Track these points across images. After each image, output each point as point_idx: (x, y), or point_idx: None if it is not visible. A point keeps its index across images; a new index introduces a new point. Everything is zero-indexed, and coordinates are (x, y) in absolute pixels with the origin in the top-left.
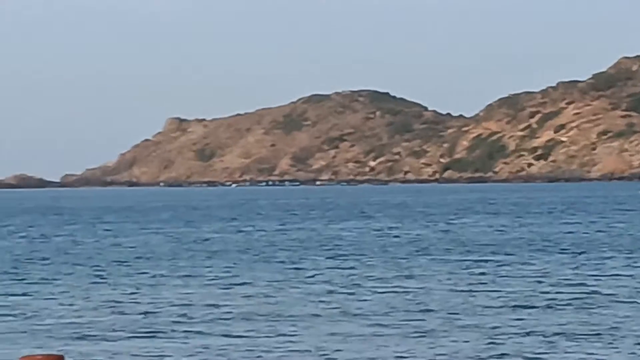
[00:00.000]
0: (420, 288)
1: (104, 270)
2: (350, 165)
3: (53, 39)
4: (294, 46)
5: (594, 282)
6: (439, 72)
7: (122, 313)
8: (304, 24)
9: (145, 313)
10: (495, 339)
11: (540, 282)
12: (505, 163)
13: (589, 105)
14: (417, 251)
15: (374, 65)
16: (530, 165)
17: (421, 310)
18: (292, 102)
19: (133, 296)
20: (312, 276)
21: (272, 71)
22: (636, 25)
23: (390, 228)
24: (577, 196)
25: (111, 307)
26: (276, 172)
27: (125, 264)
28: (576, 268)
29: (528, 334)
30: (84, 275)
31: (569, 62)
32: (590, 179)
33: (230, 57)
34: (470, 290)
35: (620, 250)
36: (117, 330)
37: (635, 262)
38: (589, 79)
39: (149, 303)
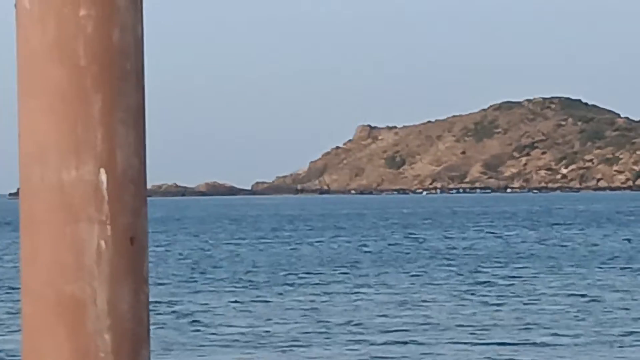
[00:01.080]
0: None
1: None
2: (542, 172)
3: (245, 42)
4: (485, 54)
5: None
6: (632, 78)
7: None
8: (494, 32)
9: None
10: None
11: None
12: None
13: None
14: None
15: (566, 72)
16: None
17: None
18: (483, 109)
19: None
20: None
21: (463, 78)
22: None
23: None
24: None
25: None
26: (467, 180)
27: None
28: None
29: None
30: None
31: None
32: None
33: (420, 64)
34: None
35: None
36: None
37: None
38: None
39: None
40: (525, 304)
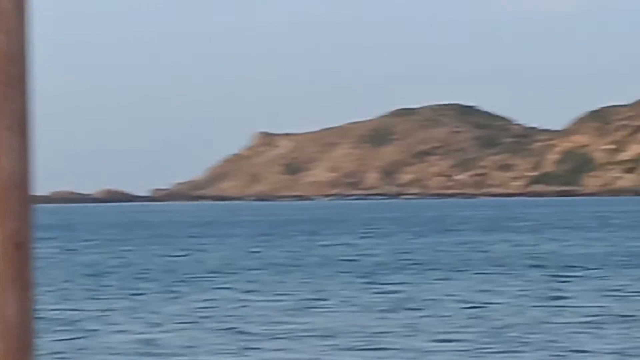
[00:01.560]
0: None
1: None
2: (438, 179)
3: (141, 52)
4: (380, 60)
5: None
6: (526, 84)
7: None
8: (390, 38)
9: None
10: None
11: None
12: (593, 176)
13: None
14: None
15: (461, 79)
16: (619, 178)
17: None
18: (380, 116)
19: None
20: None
21: (359, 85)
22: None
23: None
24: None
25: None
26: (363, 186)
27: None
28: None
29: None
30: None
31: None
32: None
33: (317, 71)
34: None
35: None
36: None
37: None
38: None
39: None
40: (413, 309)
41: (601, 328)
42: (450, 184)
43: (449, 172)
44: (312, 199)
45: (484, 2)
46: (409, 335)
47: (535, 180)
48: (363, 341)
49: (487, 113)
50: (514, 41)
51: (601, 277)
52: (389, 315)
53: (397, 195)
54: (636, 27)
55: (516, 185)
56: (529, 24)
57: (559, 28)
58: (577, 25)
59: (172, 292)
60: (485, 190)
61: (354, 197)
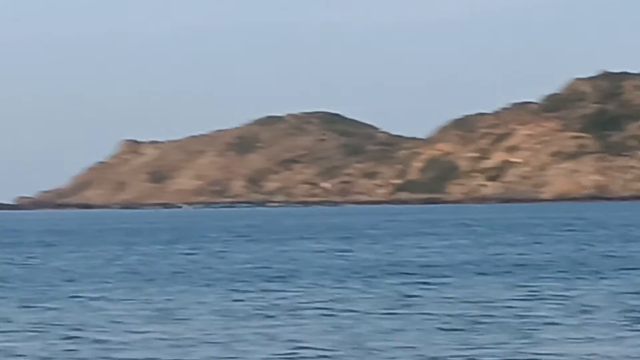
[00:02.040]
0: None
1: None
2: (303, 186)
3: (5, 63)
4: (246, 69)
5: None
6: (391, 93)
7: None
8: (255, 47)
9: None
10: None
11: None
12: (457, 184)
13: (540, 126)
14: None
15: (327, 87)
16: (482, 186)
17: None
18: (245, 124)
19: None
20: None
21: (224, 93)
22: (588, 47)
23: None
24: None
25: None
26: (229, 194)
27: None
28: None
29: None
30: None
31: (521, 84)
32: (542, 200)
33: (183, 79)
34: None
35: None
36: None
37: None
38: (541, 100)
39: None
40: (268, 316)
41: (451, 333)
42: (316, 191)
43: (314, 180)
44: (178, 207)
45: (350, 12)
46: (265, 344)
47: (401, 188)
48: (217, 349)
49: (352, 121)
50: (380, 51)
51: (456, 285)
52: (244, 323)
53: (263, 203)
54: (499, 38)
55: (381, 193)
56: (395, 34)
57: (425, 38)
58: (443, 35)
59: (26, 300)
60: (350, 198)
61: (219, 205)
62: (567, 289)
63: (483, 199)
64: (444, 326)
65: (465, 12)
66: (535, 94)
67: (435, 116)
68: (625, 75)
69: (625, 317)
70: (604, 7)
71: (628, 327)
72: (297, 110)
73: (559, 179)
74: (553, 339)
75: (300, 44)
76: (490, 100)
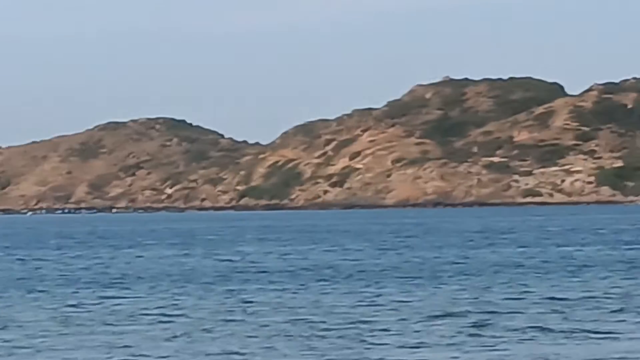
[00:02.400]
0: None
1: None
2: (147, 192)
3: None
4: (89, 74)
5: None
6: (236, 100)
7: None
8: (101, 53)
9: None
10: None
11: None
12: (301, 190)
13: (383, 132)
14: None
15: (171, 93)
16: (326, 192)
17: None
18: (89, 130)
19: None
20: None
21: (67, 97)
22: (430, 53)
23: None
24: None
25: None
26: (72, 200)
27: None
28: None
29: None
30: None
31: (364, 90)
32: (386, 206)
33: (25, 84)
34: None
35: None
36: None
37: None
38: (384, 106)
39: None
40: (106, 323)
41: (292, 340)
42: (160, 197)
43: (158, 186)
44: (20, 213)
45: (191, 19)
46: (102, 352)
47: (244, 194)
48: (54, 356)
49: (197, 127)
50: (224, 57)
51: (295, 290)
52: (81, 330)
53: (107, 209)
54: (340, 45)
55: (225, 199)
56: (235, 42)
57: (269, 45)
58: (281, 44)
59: None
60: (194, 204)
61: (63, 211)
62: (405, 294)
63: (327, 205)
64: (282, 333)
65: (305, 19)
66: (378, 100)
67: (279, 122)
68: (467, 81)
69: (460, 323)
70: (446, 14)
71: (464, 333)
72: (141, 116)
73: (402, 185)
74: (388, 344)
75: (145, 48)
76: (333, 107)
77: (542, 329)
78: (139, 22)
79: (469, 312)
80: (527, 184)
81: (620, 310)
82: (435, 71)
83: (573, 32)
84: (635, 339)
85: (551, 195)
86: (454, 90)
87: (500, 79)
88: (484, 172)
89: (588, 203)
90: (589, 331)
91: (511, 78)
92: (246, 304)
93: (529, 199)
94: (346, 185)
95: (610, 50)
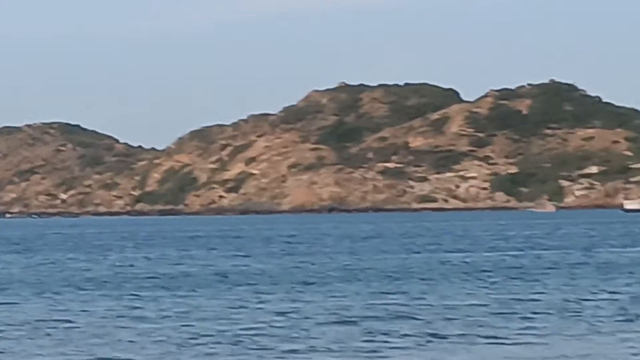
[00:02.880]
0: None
1: None
2: (42, 197)
3: None
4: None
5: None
6: (131, 104)
7: None
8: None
9: None
10: None
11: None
12: (196, 195)
13: (279, 138)
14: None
15: (65, 98)
16: (221, 197)
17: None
18: None
19: None
20: None
21: None
22: (326, 59)
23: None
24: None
25: None
26: None
27: None
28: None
29: None
30: None
31: (260, 95)
32: (281, 212)
33: None
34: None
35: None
36: None
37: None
38: (280, 112)
39: None
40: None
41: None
42: (54, 202)
43: (53, 191)
44: None
45: (84, 23)
46: None
47: (139, 199)
48: None
49: (92, 132)
50: (120, 62)
51: (179, 296)
52: None
53: (2, 214)
54: (239, 50)
55: (120, 204)
56: (132, 47)
57: (167, 50)
58: (183, 48)
59: None
60: (89, 209)
61: None
62: (287, 301)
63: (222, 211)
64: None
65: (201, 24)
66: (274, 106)
67: (175, 128)
68: (363, 87)
69: (339, 329)
70: (342, 20)
71: (356, 339)
72: (35, 120)
73: (298, 191)
74: (272, 348)
75: (40, 52)
76: (229, 112)
77: (430, 334)
78: (32, 27)
79: (359, 318)
80: (422, 190)
81: (505, 315)
82: (331, 77)
83: (468, 38)
84: (520, 344)
85: (446, 201)
86: (349, 96)
87: (395, 85)
88: (379, 177)
89: (483, 209)
90: (478, 336)
91: (407, 84)
92: (134, 309)
93: (424, 205)
94: (241, 190)
95: (505, 56)
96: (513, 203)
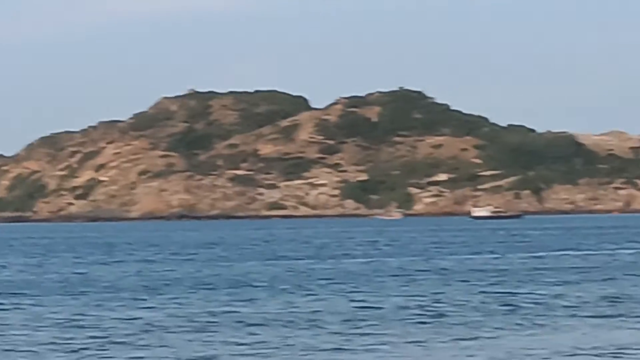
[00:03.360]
0: None
1: None
2: None
3: None
4: None
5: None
6: None
7: None
8: None
9: None
10: None
11: None
12: (45, 202)
13: (129, 145)
14: None
15: None
16: (70, 204)
17: None
18: None
19: None
20: None
21: None
22: (176, 66)
23: None
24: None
25: None
26: None
27: None
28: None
29: None
30: None
31: (110, 102)
32: (131, 219)
33: None
34: None
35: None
36: None
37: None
38: (130, 118)
39: None
40: None
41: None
42: None
43: None
44: None
45: None
46: None
47: None
48: None
49: None
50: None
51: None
52: None
53: None
54: (88, 57)
55: None
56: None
57: (10, 58)
58: (33, 54)
59: None
60: None
61: None
62: (134, 309)
63: (71, 218)
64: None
65: (50, 30)
66: (124, 113)
67: (24, 134)
68: (212, 94)
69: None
70: (192, 27)
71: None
72: None
73: (147, 198)
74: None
75: None
76: (79, 119)
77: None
78: None
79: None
80: (272, 197)
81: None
82: (181, 84)
83: (318, 45)
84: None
85: (296, 208)
86: (199, 103)
87: (245, 92)
88: (229, 185)
89: (333, 216)
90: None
91: (256, 91)
92: None
93: (274, 212)
94: (91, 197)
95: (355, 64)
96: (362, 210)
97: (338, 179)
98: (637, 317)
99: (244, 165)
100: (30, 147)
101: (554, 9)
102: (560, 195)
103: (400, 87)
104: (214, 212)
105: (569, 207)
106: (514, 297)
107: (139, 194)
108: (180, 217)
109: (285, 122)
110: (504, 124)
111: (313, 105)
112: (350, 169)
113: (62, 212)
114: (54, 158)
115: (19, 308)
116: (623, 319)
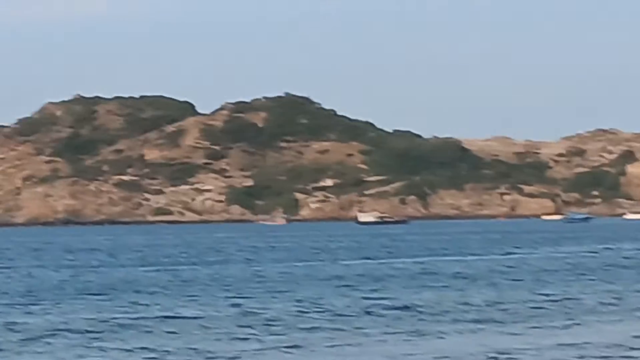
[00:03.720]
0: None
1: None
2: None
3: None
4: None
5: None
6: None
7: None
8: None
9: None
10: None
11: None
12: None
13: (13, 150)
14: None
15: None
16: None
17: None
18: None
19: None
20: None
21: None
22: (61, 70)
23: None
24: None
25: None
26: None
27: None
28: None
29: None
30: None
31: None
32: (16, 224)
33: None
34: None
35: None
36: None
37: None
38: (14, 124)
39: None
40: None
41: None
42: None
43: None
44: None
45: None
46: None
47: None
48: None
49: None
50: None
51: None
52: None
53: None
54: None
55: None
56: None
57: None
58: None
59: None
60: None
61: None
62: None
63: None
64: None
65: None
66: (8, 118)
67: None
68: (98, 99)
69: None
70: (75, 31)
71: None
72: None
73: (33, 203)
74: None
75: None
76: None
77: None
78: None
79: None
80: (157, 203)
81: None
82: (66, 88)
83: (203, 51)
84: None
85: (182, 213)
86: (84, 108)
87: (131, 97)
88: (114, 190)
89: (219, 222)
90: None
91: (142, 96)
92: None
93: (159, 218)
94: None
95: (241, 69)
96: (248, 216)
97: (224, 184)
98: (516, 322)
99: (129, 170)
100: None
101: (438, 14)
102: (445, 201)
103: (286, 93)
104: (100, 217)
105: (454, 212)
106: (394, 303)
107: (24, 199)
108: (66, 222)
109: (171, 128)
110: (390, 129)
111: (199, 111)
112: (236, 175)
113: None
114: None
115: None
116: (503, 323)
